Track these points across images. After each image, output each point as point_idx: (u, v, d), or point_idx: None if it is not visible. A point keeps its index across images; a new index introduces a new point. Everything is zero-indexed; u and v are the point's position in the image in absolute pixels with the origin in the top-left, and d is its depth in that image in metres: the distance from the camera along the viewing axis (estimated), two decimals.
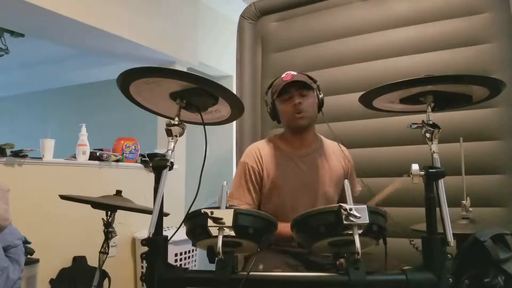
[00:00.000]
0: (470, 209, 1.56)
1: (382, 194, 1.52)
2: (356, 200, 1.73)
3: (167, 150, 1.08)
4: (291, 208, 1.55)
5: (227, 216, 0.97)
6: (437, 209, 1.04)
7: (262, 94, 2.67)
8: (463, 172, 1.63)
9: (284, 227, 1.20)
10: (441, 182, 1.04)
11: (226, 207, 1.00)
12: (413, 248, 1.36)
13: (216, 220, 0.97)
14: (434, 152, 1.09)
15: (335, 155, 1.68)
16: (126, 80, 1.09)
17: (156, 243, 1.05)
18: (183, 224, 1.08)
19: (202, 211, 0.99)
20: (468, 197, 1.58)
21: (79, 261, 2.50)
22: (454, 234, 1.00)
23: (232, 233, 0.97)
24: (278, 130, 1.81)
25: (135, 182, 2.83)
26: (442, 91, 1.14)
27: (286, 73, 1.59)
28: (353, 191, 1.71)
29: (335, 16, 2.52)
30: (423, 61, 2.19)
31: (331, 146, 1.70)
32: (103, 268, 1.69)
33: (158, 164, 1.05)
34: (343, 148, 1.71)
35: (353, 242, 0.94)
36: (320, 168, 1.62)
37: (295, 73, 1.58)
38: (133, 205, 1.73)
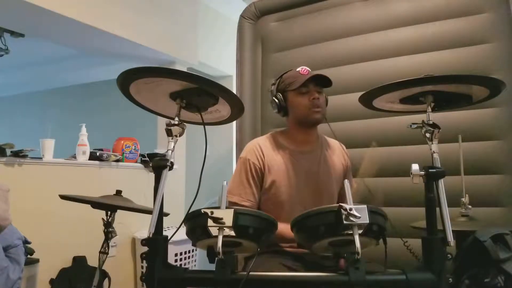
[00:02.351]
0: (469, 206, 1.56)
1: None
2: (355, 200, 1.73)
3: (167, 150, 1.08)
4: (292, 205, 1.55)
5: (227, 216, 0.97)
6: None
7: (262, 94, 2.67)
8: (462, 169, 1.63)
9: (286, 228, 1.20)
10: (441, 182, 1.04)
11: (226, 207, 1.00)
12: (408, 250, 1.36)
13: (216, 220, 0.97)
14: (434, 152, 1.09)
15: (335, 153, 1.69)
16: (126, 80, 1.09)
17: (156, 243, 1.05)
18: (183, 224, 1.08)
19: (202, 211, 0.99)
20: (467, 195, 1.58)
21: (79, 261, 2.50)
22: (453, 232, 1.00)
23: (232, 233, 0.97)
24: (278, 130, 1.80)
25: (135, 182, 2.83)
26: (442, 91, 1.15)
27: (301, 67, 1.59)
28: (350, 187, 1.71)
29: (335, 16, 2.52)
30: (423, 61, 2.19)
31: (331, 144, 1.71)
32: (103, 268, 1.69)
33: (158, 164, 1.05)
34: (342, 145, 1.72)
35: (353, 242, 0.94)
36: (322, 165, 1.62)
37: (309, 69, 1.59)
38: (133, 205, 1.73)
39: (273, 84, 1.68)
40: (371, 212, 0.98)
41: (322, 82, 1.57)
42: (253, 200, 1.55)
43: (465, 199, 1.57)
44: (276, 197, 1.56)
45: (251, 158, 1.58)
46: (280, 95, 1.62)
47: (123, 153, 2.88)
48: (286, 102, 1.61)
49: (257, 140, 1.67)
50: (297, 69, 1.60)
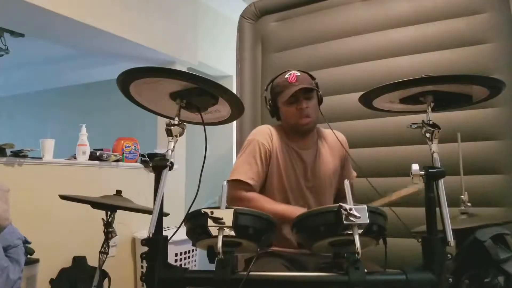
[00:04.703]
0: (469, 204, 1.56)
1: (396, 194, 1.49)
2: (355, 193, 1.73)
3: (167, 150, 1.08)
4: (293, 197, 1.56)
5: (227, 216, 0.97)
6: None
7: (262, 94, 2.67)
8: (461, 166, 1.63)
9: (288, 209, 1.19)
10: (441, 182, 1.04)
11: (227, 207, 1.00)
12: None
13: (216, 220, 0.97)
14: (434, 152, 1.09)
15: (333, 144, 1.69)
16: (126, 80, 1.09)
17: (156, 243, 1.05)
18: (183, 224, 1.08)
19: (202, 211, 0.99)
20: (466, 192, 1.58)
21: (79, 261, 2.50)
22: (453, 231, 1.00)
23: (232, 233, 0.97)
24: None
25: (135, 182, 2.83)
26: (442, 91, 1.15)
27: (289, 73, 1.58)
28: (349, 177, 1.72)
29: (335, 16, 2.52)
30: (423, 61, 2.19)
31: (328, 135, 1.71)
32: (103, 268, 1.69)
33: (158, 164, 1.05)
34: (339, 135, 1.71)
35: (353, 242, 0.94)
36: (322, 158, 1.63)
37: (298, 73, 1.58)
38: (133, 205, 1.73)
39: (265, 89, 1.69)
40: (371, 212, 0.98)
41: (311, 90, 1.57)
42: (257, 179, 1.54)
43: (465, 197, 1.57)
44: (278, 184, 1.57)
45: (260, 139, 1.58)
46: (271, 103, 1.64)
47: (123, 153, 2.87)
48: (278, 110, 1.63)
49: (267, 125, 1.67)
50: (286, 76, 1.58)
